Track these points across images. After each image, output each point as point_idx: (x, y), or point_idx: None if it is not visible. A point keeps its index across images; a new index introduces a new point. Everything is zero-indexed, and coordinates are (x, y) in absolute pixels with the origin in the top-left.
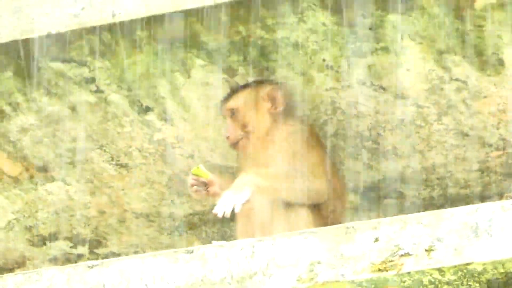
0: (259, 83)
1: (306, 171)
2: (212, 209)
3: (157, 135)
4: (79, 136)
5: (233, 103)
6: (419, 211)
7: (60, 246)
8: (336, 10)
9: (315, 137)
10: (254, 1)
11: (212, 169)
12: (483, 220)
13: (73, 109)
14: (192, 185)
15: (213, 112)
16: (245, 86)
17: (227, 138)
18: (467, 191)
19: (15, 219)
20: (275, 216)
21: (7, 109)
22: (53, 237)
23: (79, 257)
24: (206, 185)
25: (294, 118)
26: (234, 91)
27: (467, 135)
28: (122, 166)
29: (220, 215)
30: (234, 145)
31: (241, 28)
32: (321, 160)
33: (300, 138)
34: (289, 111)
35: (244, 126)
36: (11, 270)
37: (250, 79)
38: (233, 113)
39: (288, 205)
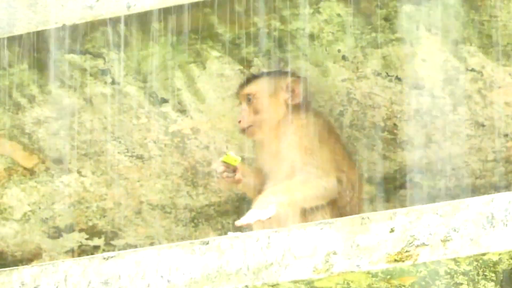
0: (280, 73)
1: (317, 169)
2: (227, 200)
3: (173, 127)
4: (94, 128)
5: (251, 88)
6: (435, 202)
7: (76, 238)
8: (352, 1)
9: (329, 130)
10: None
11: None
12: (499, 210)
13: (88, 101)
14: (223, 172)
15: (228, 103)
16: (266, 73)
17: (239, 122)
18: (483, 181)
19: (31, 211)
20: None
21: (23, 101)
22: (69, 229)
23: (95, 248)
24: (235, 171)
25: (307, 112)
26: (254, 77)
27: (482, 125)
28: (137, 157)
29: (244, 224)
30: (245, 130)
31: (256, 19)
32: (333, 155)
33: (311, 132)
34: (303, 105)
35: (256, 112)
36: (27, 262)
37: (266, 70)
38: (249, 98)
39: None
